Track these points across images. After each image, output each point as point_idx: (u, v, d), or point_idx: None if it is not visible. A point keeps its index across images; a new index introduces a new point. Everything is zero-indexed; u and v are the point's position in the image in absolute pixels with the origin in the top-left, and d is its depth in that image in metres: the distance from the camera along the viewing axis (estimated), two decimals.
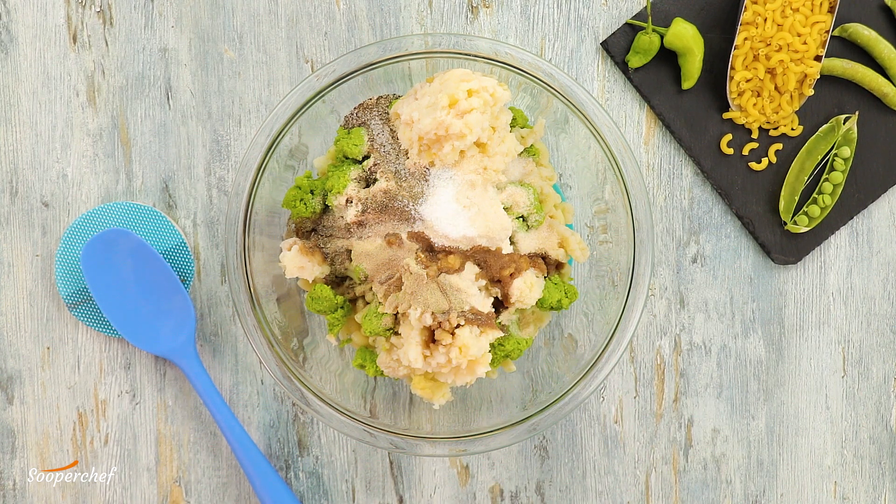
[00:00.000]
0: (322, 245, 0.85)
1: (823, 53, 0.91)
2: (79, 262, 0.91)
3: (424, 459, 0.94)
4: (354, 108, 0.85)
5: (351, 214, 0.82)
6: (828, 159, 0.93)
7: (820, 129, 0.93)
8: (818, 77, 0.91)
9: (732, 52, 0.90)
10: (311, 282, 0.86)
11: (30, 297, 0.93)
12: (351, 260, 0.84)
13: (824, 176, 0.93)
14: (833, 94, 0.93)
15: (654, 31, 0.91)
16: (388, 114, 0.85)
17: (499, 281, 0.82)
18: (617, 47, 0.93)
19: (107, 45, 0.93)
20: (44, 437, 0.93)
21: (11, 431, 0.93)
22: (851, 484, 0.96)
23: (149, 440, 0.94)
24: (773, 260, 0.94)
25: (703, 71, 0.92)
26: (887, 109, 0.94)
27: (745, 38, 0.90)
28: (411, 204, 0.81)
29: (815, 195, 0.93)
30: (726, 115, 0.93)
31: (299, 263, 0.84)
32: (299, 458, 0.94)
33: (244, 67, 0.93)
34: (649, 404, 0.95)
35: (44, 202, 0.93)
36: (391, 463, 0.94)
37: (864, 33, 0.92)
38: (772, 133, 0.93)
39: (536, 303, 0.84)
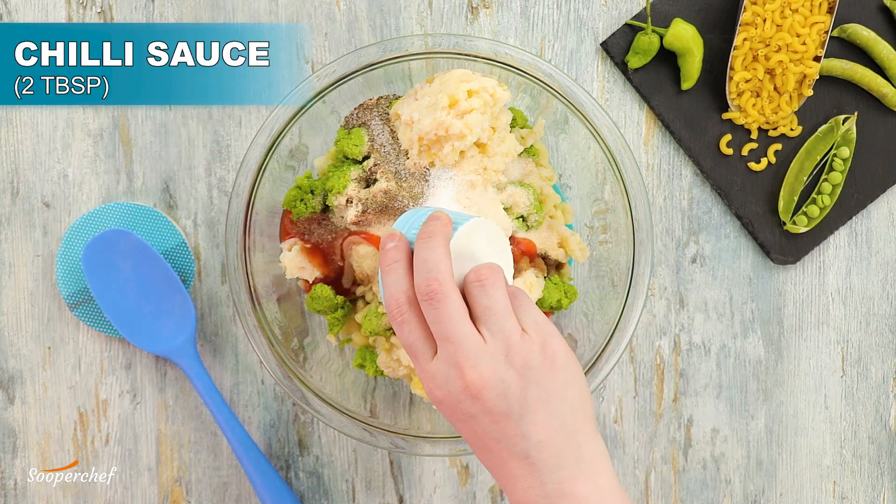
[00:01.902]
0: None
1: (822, 54, 0.91)
2: (79, 263, 0.91)
3: (424, 459, 0.95)
4: (354, 109, 0.86)
5: (351, 214, 0.82)
6: (827, 159, 0.93)
7: (819, 129, 0.93)
8: (817, 77, 0.91)
9: (732, 53, 0.90)
10: (311, 282, 0.86)
11: (31, 297, 0.93)
12: None
13: (823, 176, 0.93)
14: (832, 95, 0.94)
15: (653, 31, 0.91)
16: (388, 114, 0.85)
17: None
18: (617, 48, 0.93)
19: None
20: (45, 437, 0.93)
21: (12, 431, 0.93)
22: (850, 483, 0.96)
23: (149, 440, 0.94)
24: (772, 260, 0.94)
25: (703, 71, 0.93)
26: (886, 110, 0.94)
27: (745, 39, 0.90)
28: (411, 204, 0.81)
29: (814, 195, 0.93)
30: (726, 116, 0.93)
31: (299, 263, 0.84)
32: (299, 458, 0.94)
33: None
34: (649, 404, 0.95)
35: (45, 202, 0.93)
36: (391, 463, 0.95)
37: (863, 34, 0.92)
38: (771, 133, 0.93)
39: (536, 303, 0.84)
